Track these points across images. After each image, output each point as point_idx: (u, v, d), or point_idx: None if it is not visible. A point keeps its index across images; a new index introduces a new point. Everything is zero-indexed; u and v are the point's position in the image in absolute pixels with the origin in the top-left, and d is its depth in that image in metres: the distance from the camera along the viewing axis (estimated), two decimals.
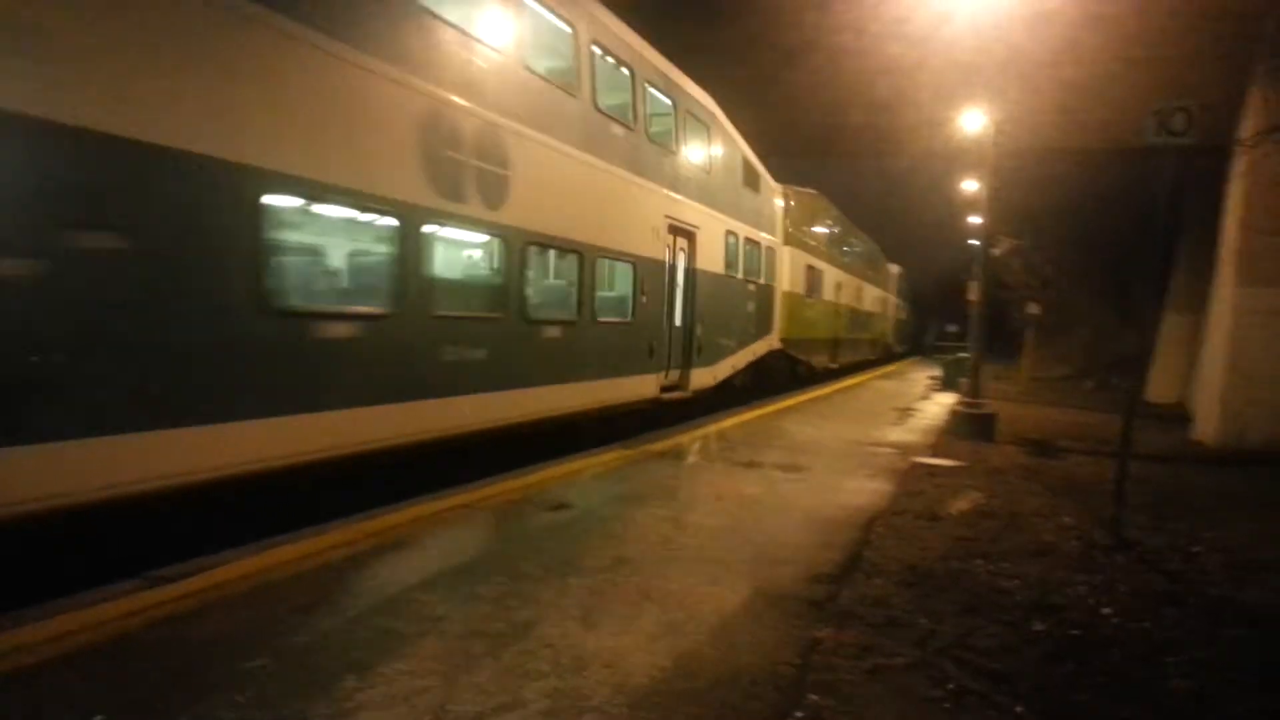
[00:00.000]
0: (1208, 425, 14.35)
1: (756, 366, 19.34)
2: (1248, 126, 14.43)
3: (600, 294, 11.59)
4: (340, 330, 6.96)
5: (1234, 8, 13.51)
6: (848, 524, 7.11)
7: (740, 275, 17.68)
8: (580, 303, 10.96)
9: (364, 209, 7.44)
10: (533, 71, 9.66)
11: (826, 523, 7.13)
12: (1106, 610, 5.18)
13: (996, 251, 29.54)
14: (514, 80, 9.25)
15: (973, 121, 16.65)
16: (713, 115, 15.83)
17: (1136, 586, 5.71)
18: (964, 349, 25.86)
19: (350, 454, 7.08)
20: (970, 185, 30.12)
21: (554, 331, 10.39)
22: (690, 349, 14.82)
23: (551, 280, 11.59)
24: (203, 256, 5.72)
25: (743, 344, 18.16)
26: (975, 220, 26.93)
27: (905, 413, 17.19)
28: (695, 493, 8.06)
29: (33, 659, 3.81)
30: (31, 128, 4.65)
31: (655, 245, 13.20)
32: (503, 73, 9.01)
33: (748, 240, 18.08)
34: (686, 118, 14.53)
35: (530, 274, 9.86)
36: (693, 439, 11.63)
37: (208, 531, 5.78)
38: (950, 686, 3.92)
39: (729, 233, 16.79)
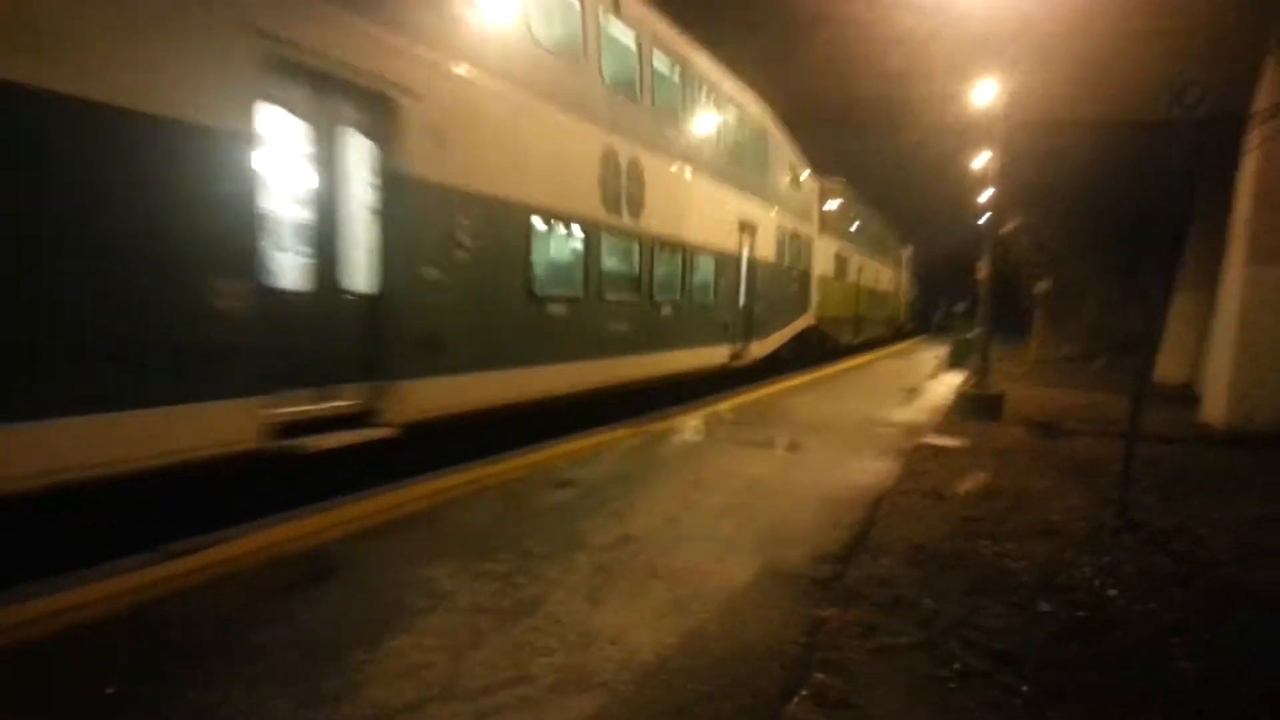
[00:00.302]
0: (1216, 406, 14.28)
1: (796, 340, 22.31)
2: (1262, 100, 14.27)
3: (695, 281, 14.82)
4: (559, 309, 10.32)
5: None
6: (854, 503, 7.12)
7: (787, 263, 20.96)
8: (682, 288, 14.28)
9: (568, 225, 10.68)
10: (659, 107, 12.93)
11: (833, 502, 7.14)
12: (1113, 591, 5.18)
13: (1006, 228, 29.42)
14: (648, 117, 12.57)
15: (984, 94, 16.51)
16: (768, 125, 19.05)
17: (1143, 568, 5.71)
18: (971, 328, 25.83)
19: (563, 395, 10.49)
20: (981, 160, 29.97)
21: (667, 311, 13.72)
22: (750, 325, 18.06)
23: (665, 271, 13.74)
24: (512, 259, 9.26)
25: (787, 321, 21.40)
26: (985, 197, 26.82)
27: (912, 392, 17.16)
28: (702, 471, 8.08)
29: (45, 631, 3.84)
30: (474, 201, 8.45)
31: (730, 240, 16.60)
32: (641, 113, 12.34)
33: (792, 232, 21.41)
34: (751, 130, 17.91)
35: (654, 267, 13.01)
36: (700, 418, 11.63)
37: (219, 508, 5.80)
38: (956, 666, 3.94)
39: (779, 227, 20.06)
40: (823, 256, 25.40)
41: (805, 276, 23.11)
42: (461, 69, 8.22)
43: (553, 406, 10.20)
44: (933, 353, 31.67)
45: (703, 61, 14.67)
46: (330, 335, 6.94)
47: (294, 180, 6.69)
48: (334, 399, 6.99)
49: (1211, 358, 16.38)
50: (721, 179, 15.67)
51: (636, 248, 12.40)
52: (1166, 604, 5.04)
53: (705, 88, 14.84)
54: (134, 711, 3.23)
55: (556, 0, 10.14)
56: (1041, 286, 27.80)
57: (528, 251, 9.47)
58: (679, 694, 3.55)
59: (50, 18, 4.72)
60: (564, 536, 5.75)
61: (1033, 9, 13.97)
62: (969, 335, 23.36)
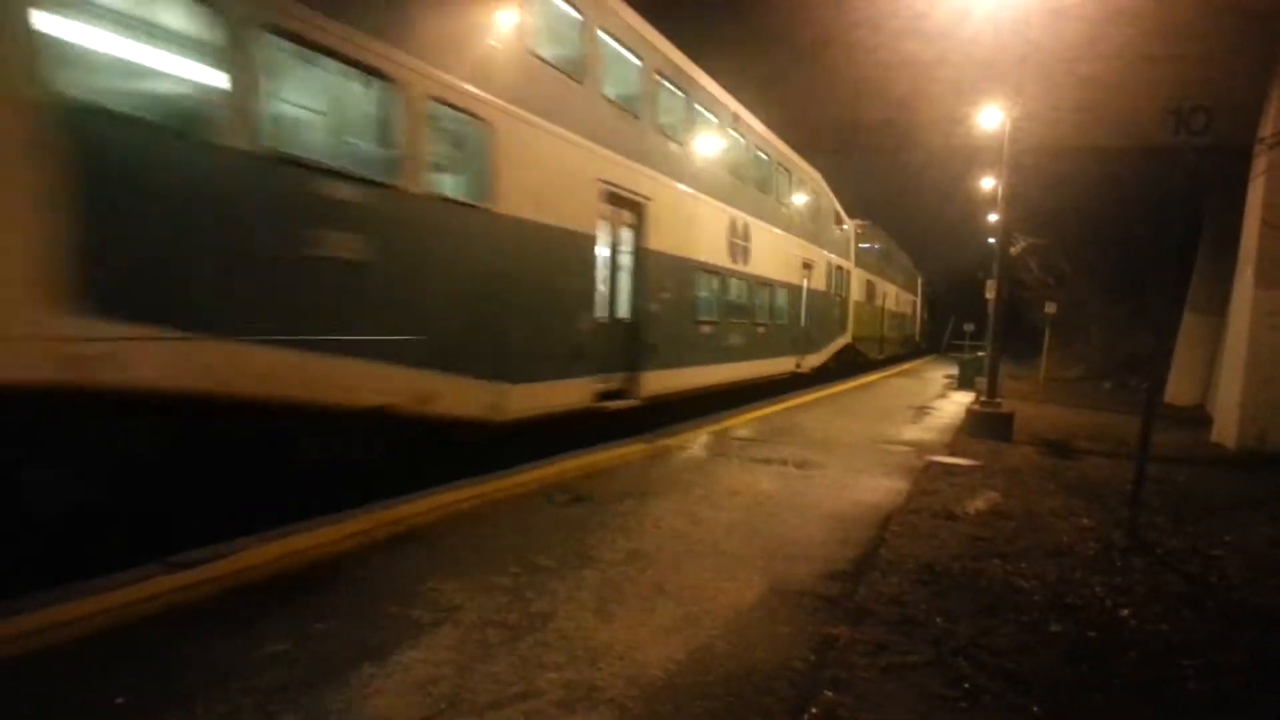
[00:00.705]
0: (1227, 427, 14.24)
1: (838, 355, 27.54)
2: (1269, 126, 14.29)
3: (776, 308, 20.35)
4: (708, 330, 15.57)
5: (1255, 6, 13.36)
6: (863, 521, 7.10)
7: (832, 291, 26.38)
8: (770, 312, 19.81)
9: (708, 273, 15.57)
10: (761, 187, 18.72)
11: (842, 519, 7.12)
12: (1124, 612, 5.15)
13: (1014, 250, 29.43)
14: (753, 194, 18.05)
15: (990, 118, 16.55)
16: (819, 181, 24.23)
17: (1154, 588, 5.67)
18: (981, 348, 25.80)
19: (713, 386, 15.77)
20: (988, 183, 30.03)
21: (760, 330, 19.03)
22: (808, 342, 23.44)
23: (759, 301, 18.97)
24: (687, 296, 14.47)
25: (832, 339, 26.66)
26: (994, 218, 26.87)
27: (921, 411, 17.14)
28: (711, 488, 8.06)
29: (54, 641, 3.85)
30: (671, 260, 13.66)
31: (795, 275, 21.99)
32: (750, 192, 17.88)
33: (836, 266, 26.82)
34: (810, 190, 23.26)
35: (754, 299, 18.44)
36: (710, 434, 11.63)
37: (228, 519, 5.81)
38: (966, 686, 3.91)
39: (828, 263, 25.47)
40: (857, 286, 30.70)
41: (844, 303, 28.52)
42: (669, 182, 13.35)
43: (699, 394, 14.98)
44: (942, 372, 31.62)
45: (785, 149, 20.56)
46: (613, 344, 11.66)
47: (602, 256, 11.45)
48: (613, 381, 11.77)
49: (1221, 379, 16.36)
50: (791, 230, 21.37)
51: (745, 285, 17.85)
52: (1178, 625, 5.01)
53: (787, 168, 20.86)
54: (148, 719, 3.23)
55: (717, 131, 15.66)
56: (1050, 308, 27.76)
57: (694, 290, 14.78)
58: (687, 711, 3.53)
59: (545, 198, 9.70)
60: (573, 551, 5.74)
61: (1039, 34, 14.02)
62: (978, 354, 23.33)
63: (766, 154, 18.94)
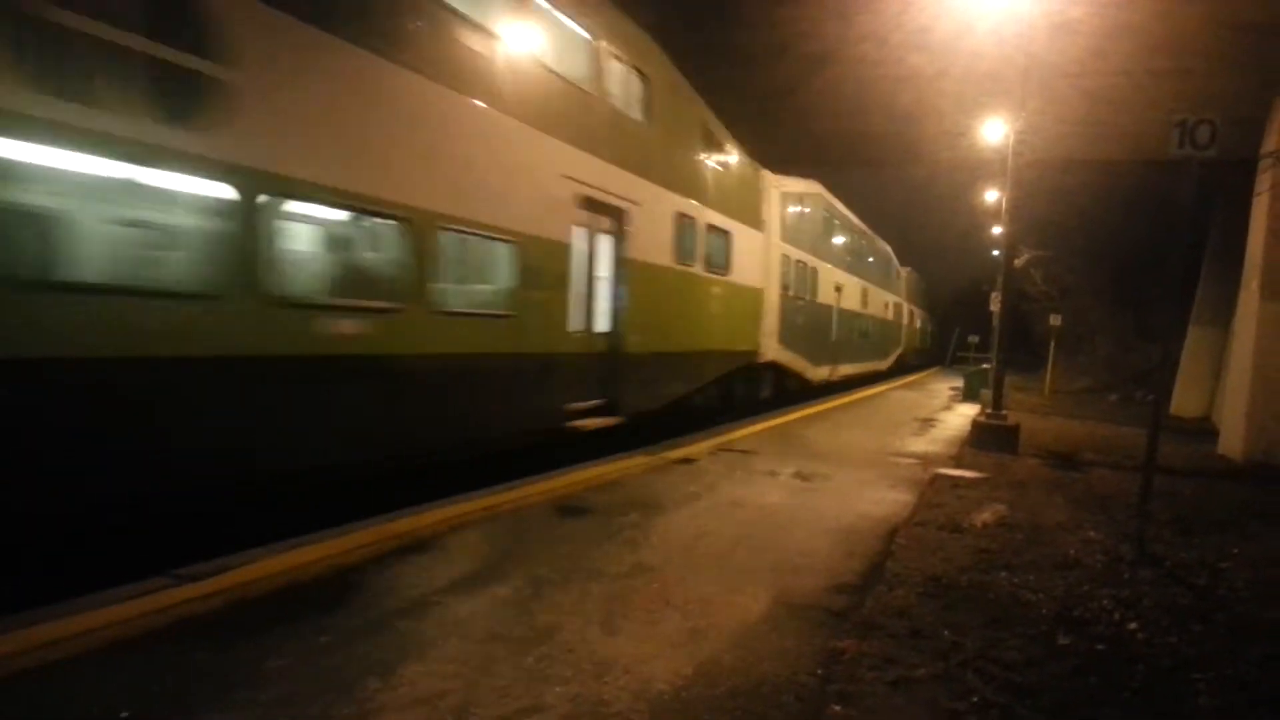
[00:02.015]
0: (1234, 440, 14.20)
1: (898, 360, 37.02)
2: (1274, 140, 14.31)
3: (878, 321, 29.57)
4: (844, 337, 26.17)
5: (1260, 20, 13.38)
6: (869, 534, 7.07)
7: (902, 320, 39.16)
8: (878, 327, 30.41)
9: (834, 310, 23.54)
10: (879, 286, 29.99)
11: (848, 532, 7.10)
12: (1132, 625, 5.12)
13: (1019, 262, 29.45)
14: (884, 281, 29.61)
15: (994, 131, 16.56)
16: (889, 251, 33.70)
17: (1162, 601, 5.64)
18: (986, 359, 25.79)
19: (845, 377, 26.70)
20: (992, 195, 30.08)
21: (872, 339, 29.88)
22: (885, 350, 32.85)
23: (874, 318, 27.66)
24: (826, 319, 24.45)
25: (897, 348, 37.33)
26: (998, 230, 26.92)
27: (926, 423, 17.10)
28: (716, 500, 8.05)
29: (60, 654, 3.84)
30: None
31: (877, 309, 30.90)
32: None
33: (896, 302, 37.03)
34: (870, 246, 30.24)
35: (869, 320, 28.76)
36: (714, 446, 11.60)
37: (234, 531, 5.82)
38: (974, 699, 3.89)
39: (895, 301, 35.84)
40: (909, 315, 40.80)
41: (899, 326, 39.41)
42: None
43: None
44: (947, 384, 31.57)
45: (849, 215, 27.16)
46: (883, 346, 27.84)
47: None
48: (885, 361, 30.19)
49: (1228, 392, 16.33)
50: (882, 284, 30.30)
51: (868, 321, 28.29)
52: (1186, 639, 4.98)
53: (862, 236, 29.25)
54: None
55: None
56: (1055, 320, 27.73)
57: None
58: None
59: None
60: (578, 564, 5.73)
61: (1042, 49, 14.05)
62: (983, 366, 23.30)
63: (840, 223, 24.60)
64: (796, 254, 21.04)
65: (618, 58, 11.70)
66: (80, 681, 3.64)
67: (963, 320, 59.31)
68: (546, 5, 9.81)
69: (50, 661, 3.77)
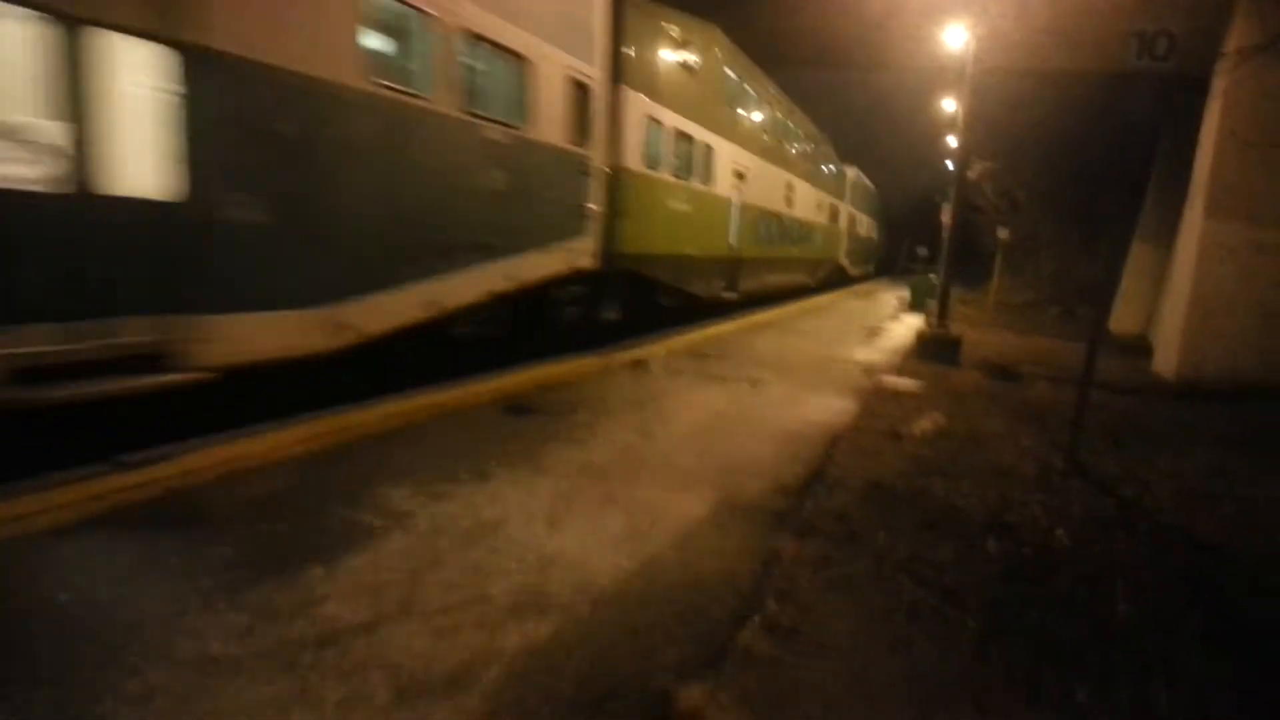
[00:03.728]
0: (1168, 358, 14.56)
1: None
2: (1231, 44, 14.28)
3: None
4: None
5: None
6: (812, 439, 7.20)
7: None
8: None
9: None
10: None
11: (791, 437, 7.23)
12: (1059, 532, 5.31)
13: (971, 174, 29.52)
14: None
15: (955, 37, 16.35)
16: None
17: (1089, 511, 5.85)
18: (934, 270, 26.05)
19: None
20: (950, 105, 29.90)
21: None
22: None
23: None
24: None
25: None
26: (953, 142, 26.83)
27: (873, 332, 17.32)
28: (664, 403, 8.11)
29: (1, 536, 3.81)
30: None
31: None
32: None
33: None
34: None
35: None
36: (664, 350, 11.64)
37: (176, 424, 5.73)
38: (905, 599, 4.03)
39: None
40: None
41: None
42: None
43: None
44: (895, 294, 31.90)
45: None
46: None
47: None
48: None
49: (1165, 310, 16.68)
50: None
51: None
52: (1111, 547, 5.17)
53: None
54: (87, 619, 3.22)
55: None
56: (1003, 234, 27.97)
57: None
58: (634, 618, 3.60)
59: None
60: (525, 462, 5.76)
61: None
62: (930, 276, 23.54)
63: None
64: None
65: None
66: (18, 564, 3.61)
67: (912, 231, 59.76)
68: None
69: None
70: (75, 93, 5.14)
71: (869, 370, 11.54)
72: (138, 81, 5.59)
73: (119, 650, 3.01)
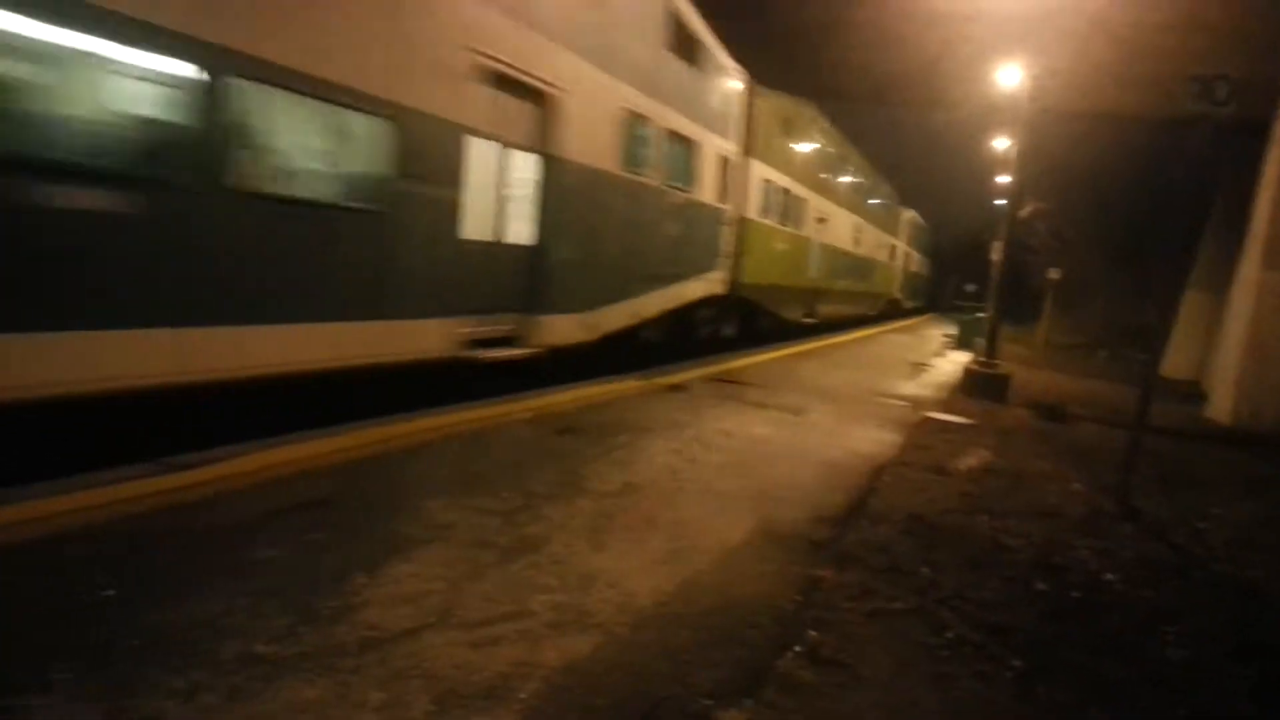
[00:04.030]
0: (1222, 404, 14.29)
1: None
2: None
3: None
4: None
5: None
6: (854, 470, 7.14)
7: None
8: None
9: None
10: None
11: (833, 467, 7.16)
12: (1109, 576, 5.20)
13: (1023, 213, 29.26)
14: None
15: (1009, 77, 16.26)
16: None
17: (1140, 555, 5.72)
18: (981, 309, 25.81)
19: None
20: (1002, 144, 29.72)
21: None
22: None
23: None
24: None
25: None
26: (1004, 179, 26.64)
27: (918, 367, 17.17)
28: (705, 428, 8.08)
29: (46, 531, 3.88)
30: None
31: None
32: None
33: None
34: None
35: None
36: (706, 375, 11.63)
37: (222, 429, 5.82)
38: (948, 635, 3.96)
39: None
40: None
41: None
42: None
43: None
44: (941, 330, 31.62)
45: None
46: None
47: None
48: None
49: (1220, 356, 16.37)
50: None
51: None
52: (1161, 592, 5.06)
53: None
54: (134, 614, 3.26)
55: None
56: (1053, 274, 27.65)
57: None
58: (673, 639, 3.57)
59: None
60: (567, 480, 5.77)
61: None
62: (977, 315, 23.33)
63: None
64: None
65: None
66: (67, 559, 3.67)
67: (960, 268, 59.29)
68: None
69: (38, 537, 3.81)
70: (499, 182, 9.05)
71: (914, 404, 11.43)
72: (519, 174, 9.36)
73: (164, 646, 3.05)
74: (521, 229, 9.45)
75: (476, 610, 3.61)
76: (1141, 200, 27.71)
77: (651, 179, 12.39)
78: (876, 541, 5.22)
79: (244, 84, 5.76)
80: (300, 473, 5.25)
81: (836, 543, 5.14)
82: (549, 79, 9.36)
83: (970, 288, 46.58)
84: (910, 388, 13.44)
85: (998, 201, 37.12)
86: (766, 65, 16.61)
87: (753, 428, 8.37)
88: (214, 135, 5.60)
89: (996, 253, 16.73)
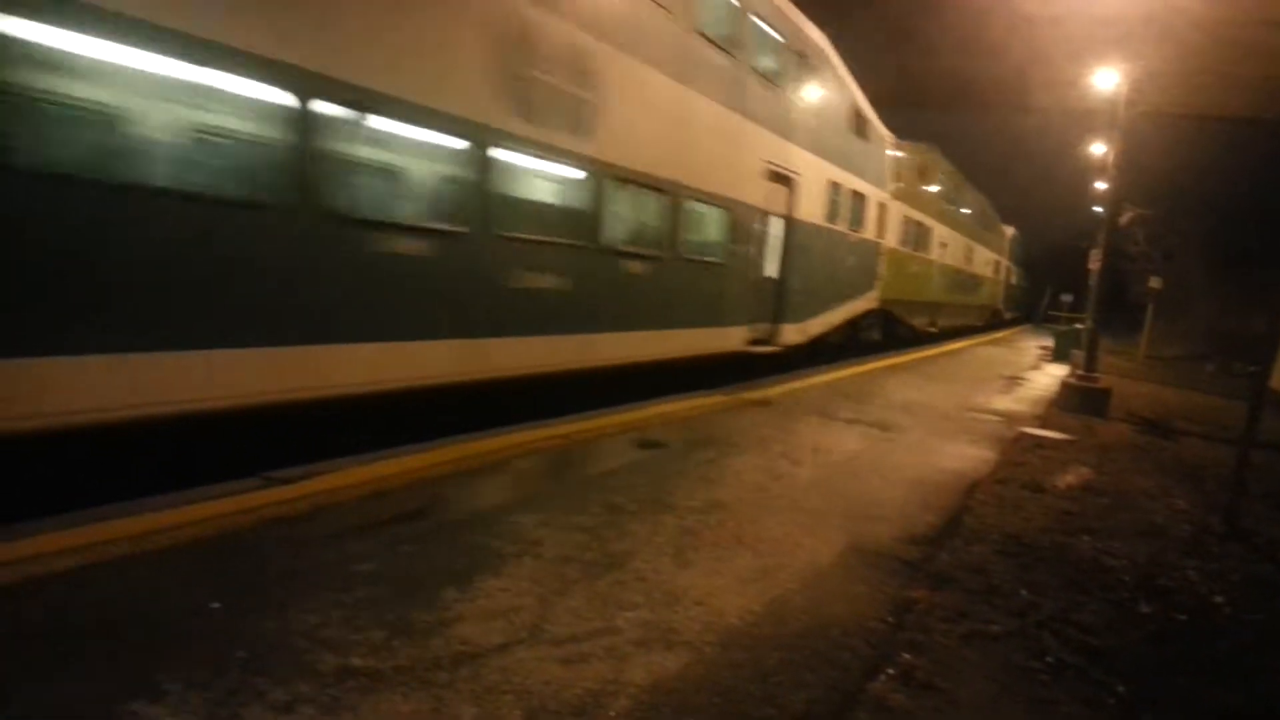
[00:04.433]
0: None
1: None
2: None
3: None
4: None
5: None
6: (948, 488, 6.97)
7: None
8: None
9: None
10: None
11: (925, 485, 7.01)
12: (1218, 598, 4.98)
13: (1122, 220, 28.30)
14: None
15: (1106, 80, 15.79)
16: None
17: (1250, 576, 5.47)
18: (1079, 319, 25.02)
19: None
20: (1099, 149, 28.85)
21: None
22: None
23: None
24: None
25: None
26: (1101, 186, 25.81)
27: (1013, 381, 16.72)
28: (792, 443, 8.00)
29: (153, 545, 4.03)
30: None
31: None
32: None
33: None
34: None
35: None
36: (791, 390, 11.53)
37: (320, 444, 6.00)
38: (1048, 659, 3.83)
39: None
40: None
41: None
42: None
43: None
44: (1036, 342, 30.78)
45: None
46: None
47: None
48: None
49: None
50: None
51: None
52: (1273, 616, 4.82)
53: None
54: (238, 626, 3.36)
55: None
56: (1155, 283, 26.69)
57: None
58: (763, 660, 3.54)
59: None
60: (652, 496, 5.77)
61: None
62: (1075, 326, 22.65)
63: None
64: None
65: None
66: (174, 572, 3.82)
67: (1056, 278, 57.61)
68: None
69: (146, 551, 3.96)
70: (766, 237, 13.82)
71: (1009, 419, 11.13)
72: (774, 232, 14.05)
73: (267, 658, 3.14)
74: (771, 266, 14.11)
75: (565, 626, 3.63)
76: (1249, 204, 26.54)
77: (840, 226, 17.43)
78: (972, 562, 5.10)
79: (687, 202, 11.11)
80: (397, 486, 5.37)
81: (930, 563, 5.03)
82: (792, 168, 14.34)
83: (1067, 298, 45.17)
84: (1004, 402, 13.09)
85: (1095, 208, 36.11)
86: (855, 76, 16.43)
87: (841, 443, 8.25)
88: (673, 228, 10.90)
89: (1095, 261, 16.22)
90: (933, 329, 28.62)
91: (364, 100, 6.09)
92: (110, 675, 2.95)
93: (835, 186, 16.76)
